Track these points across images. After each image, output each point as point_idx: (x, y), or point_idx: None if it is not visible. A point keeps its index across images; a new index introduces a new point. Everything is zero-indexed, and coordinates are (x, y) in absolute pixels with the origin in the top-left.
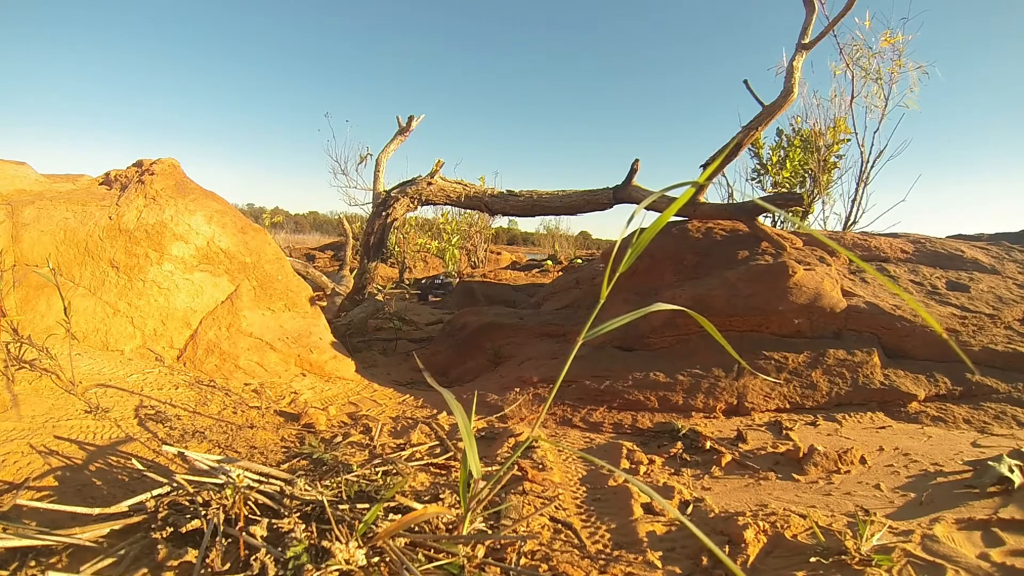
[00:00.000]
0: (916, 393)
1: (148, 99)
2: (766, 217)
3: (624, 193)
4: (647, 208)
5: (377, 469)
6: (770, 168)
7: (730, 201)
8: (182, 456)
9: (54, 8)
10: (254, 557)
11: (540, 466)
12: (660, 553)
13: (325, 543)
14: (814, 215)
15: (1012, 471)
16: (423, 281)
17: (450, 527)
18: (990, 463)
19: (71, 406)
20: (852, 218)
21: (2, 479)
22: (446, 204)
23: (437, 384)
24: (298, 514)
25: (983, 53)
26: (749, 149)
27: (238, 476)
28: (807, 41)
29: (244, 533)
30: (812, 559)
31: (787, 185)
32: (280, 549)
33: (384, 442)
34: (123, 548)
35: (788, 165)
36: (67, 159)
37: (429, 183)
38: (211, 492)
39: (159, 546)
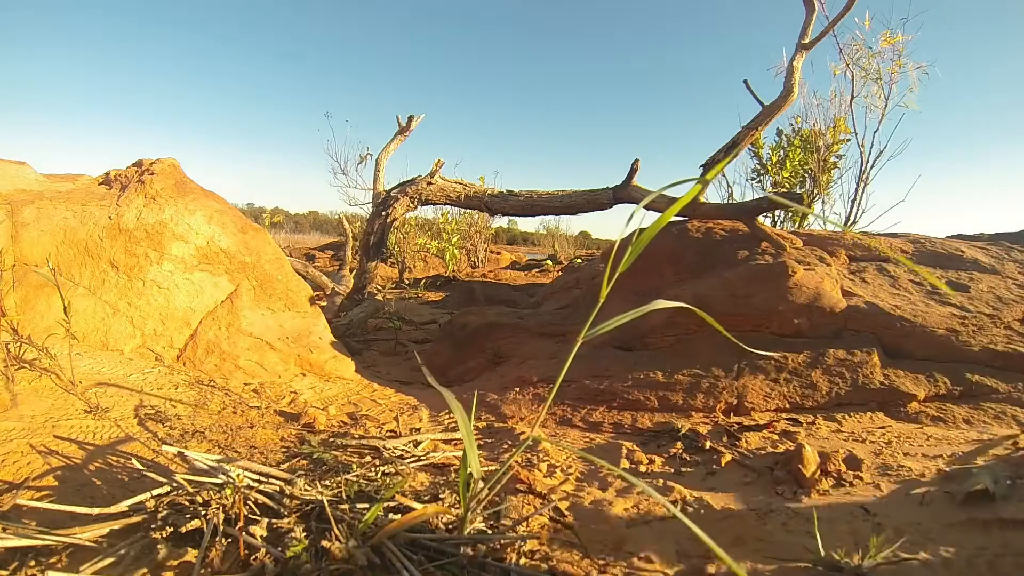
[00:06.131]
0: (916, 393)
1: (148, 99)
2: (766, 217)
3: (624, 193)
4: (647, 208)
5: (377, 469)
6: (770, 168)
7: (730, 201)
8: (182, 456)
9: (54, 7)
10: (254, 557)
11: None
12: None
13: (325, 543)
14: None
15: (1010, 471)
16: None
17: (450, 527)
18: (988, 463)
19: (71, 406)
20: (852, 218)
21: (2, 479)
22: (446, 204)
23: (437, 383)
24: (298, 514)
25: (984, 53)
26: (749, 149)
27: (238, 476)
28: (807, 41)
29: (244, 533)
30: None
31: (787, 185)
32: (280, 549)
33: None
34: (123, 548)
35: (788, 165)
36: (67, 159)
37: (429, 183)
38: (211, 492)
39: (159, 546)
